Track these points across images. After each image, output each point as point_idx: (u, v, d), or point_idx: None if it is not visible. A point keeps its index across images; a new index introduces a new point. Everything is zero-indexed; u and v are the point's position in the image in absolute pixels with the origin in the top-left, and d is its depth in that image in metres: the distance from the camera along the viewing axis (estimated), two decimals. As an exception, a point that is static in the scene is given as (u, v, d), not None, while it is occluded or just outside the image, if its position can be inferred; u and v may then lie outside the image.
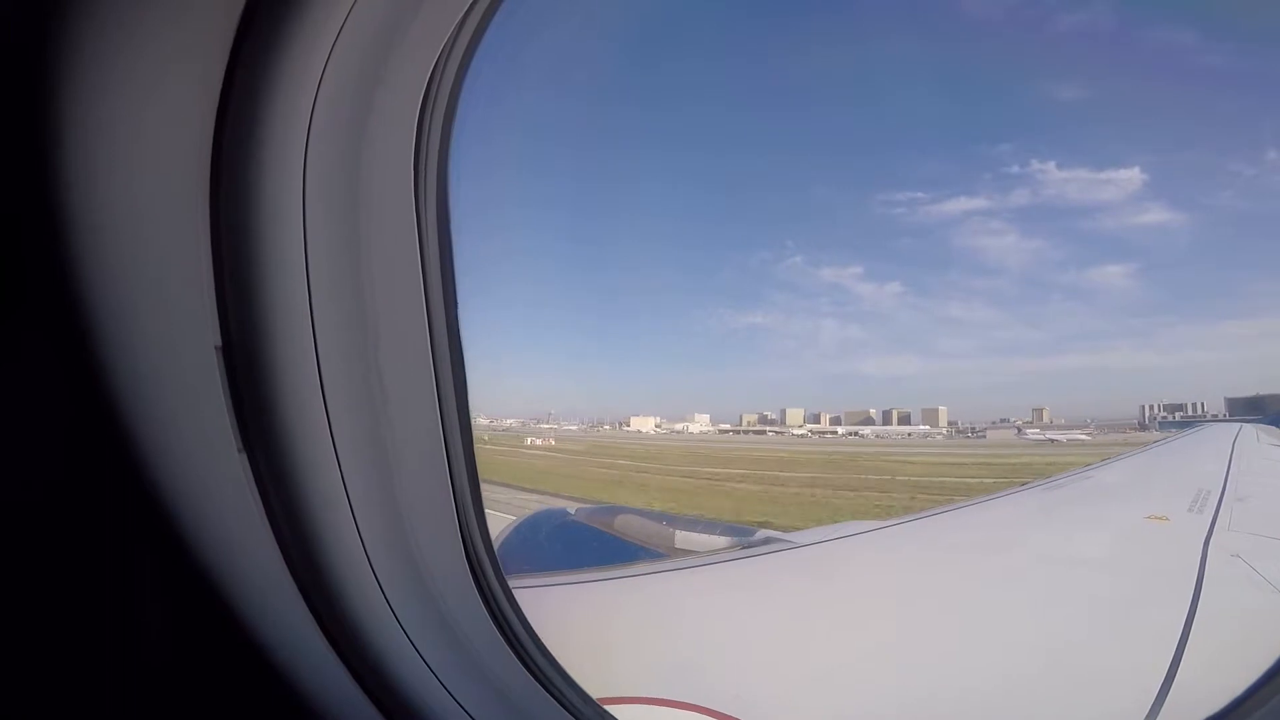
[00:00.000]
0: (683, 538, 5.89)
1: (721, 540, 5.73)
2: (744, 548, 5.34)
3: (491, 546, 1.30)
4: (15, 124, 0.81)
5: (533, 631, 1.35)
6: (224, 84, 0.91)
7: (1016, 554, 5.61)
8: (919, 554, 5.88)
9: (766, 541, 5.43)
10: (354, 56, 0.98)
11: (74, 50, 0.79)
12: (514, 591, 1.34)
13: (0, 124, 0.81)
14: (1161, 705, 2.74)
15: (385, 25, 1.00)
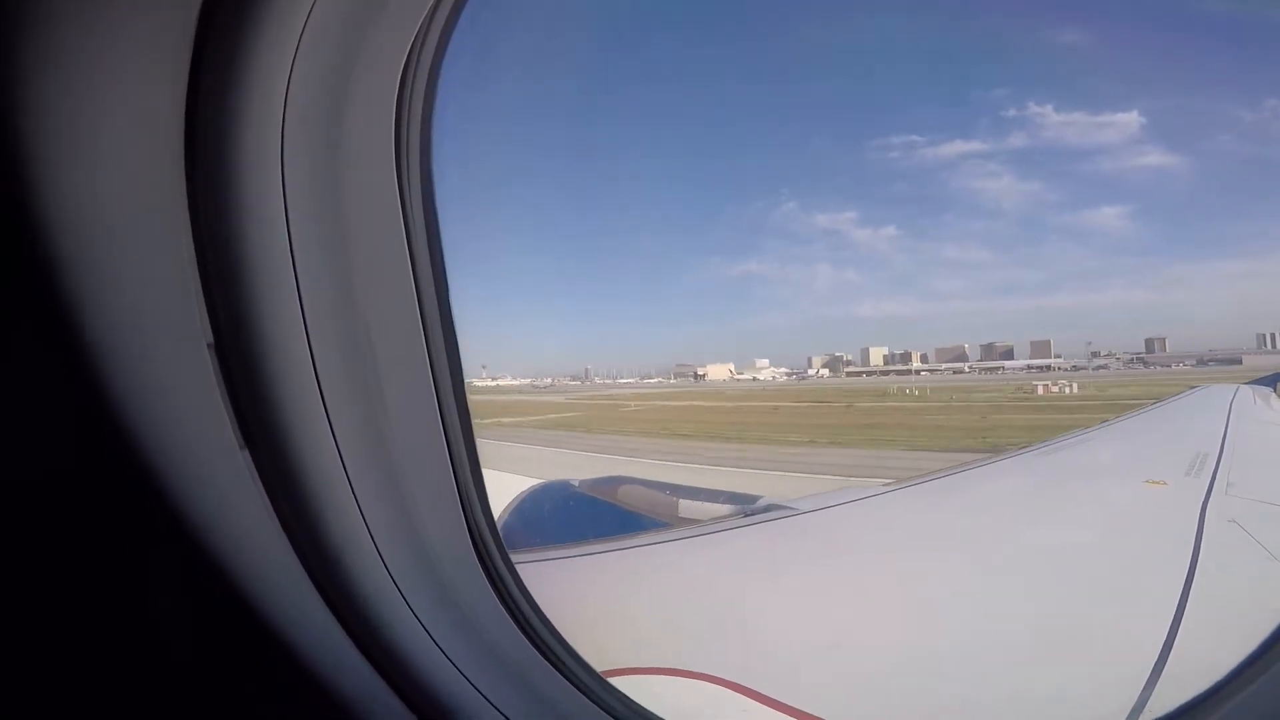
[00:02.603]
0: (686, 506, 5.95)
1: (724, 508, 5.79)
2: (747, 515, 5.39)
3: (494, 522, 1.32)
4: None
5: (535, 604, 1.37)
6: (192, 73, 0.88)
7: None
8: (921, 518, 5.95)
9: (769, 509, 5.48)
10: (328, 35, 0.95)
11: (34, 46, 0.76)
12: (519, 565, 1.36)
13: None
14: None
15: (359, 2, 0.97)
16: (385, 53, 1.03)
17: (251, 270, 0.96)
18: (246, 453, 0.99)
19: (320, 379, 1.03)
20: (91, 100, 0.81)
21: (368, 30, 0.99)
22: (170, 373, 0.92)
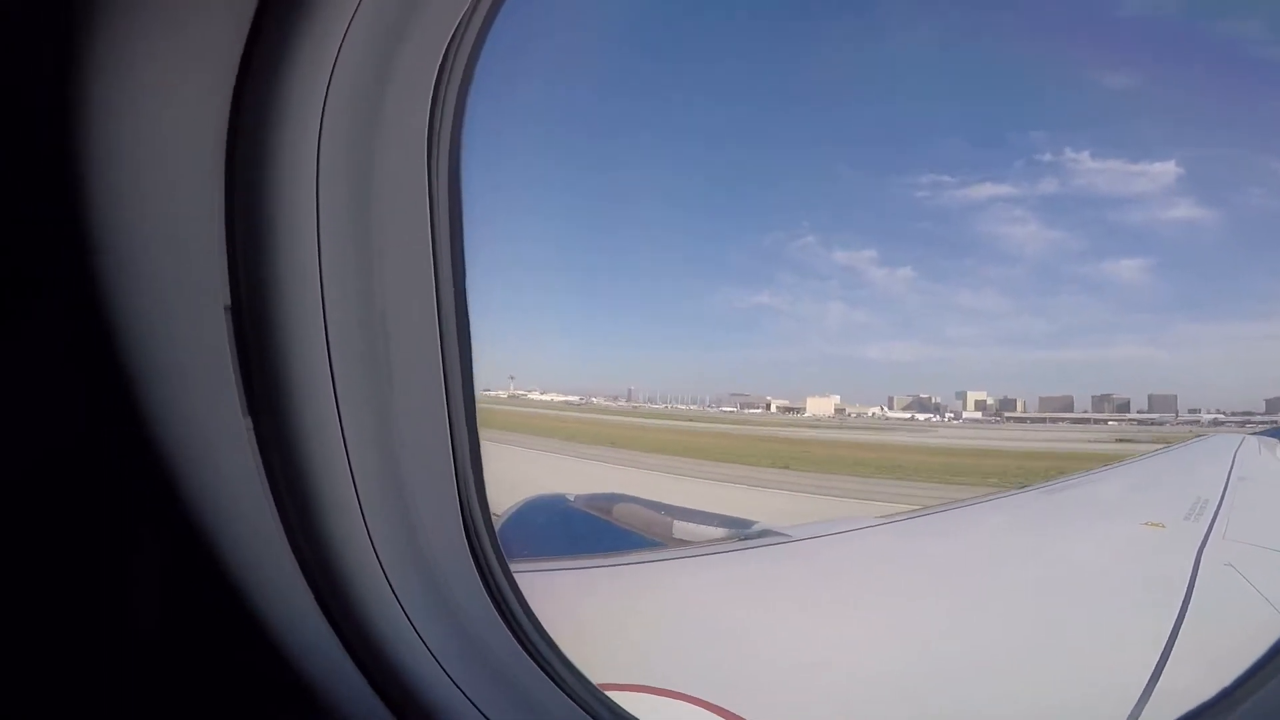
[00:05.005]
0: (680, 528, 5.92)
1: (719, 531, 5.76)
2: (741, 540, 5.36)
3: (492, 527, 1.30)
4: (25, 81, 0.82)
5: (532, 614, 1.34)
6: (245, 48, 0.91)
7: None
8: (915, 551, 5.90)
9: (763, 534, 5.45)
10: (376, 20, 0.98)
11: (89, 21, 0.80)
12: (514, 575, 1.33)
13: (18, 86, 0.82)
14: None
15: (397, 11, 1.00)
16: (423, 51, 1.05)
17: (276, 240, 0.97)
18: (249, 420, 0.98)
19: (333, 361, 1.02)
20: (145, 68, 0.84)
21: (412, 18, 1.02)
22: (185, 330, 0.93)
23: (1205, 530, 6.09)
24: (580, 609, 3.49)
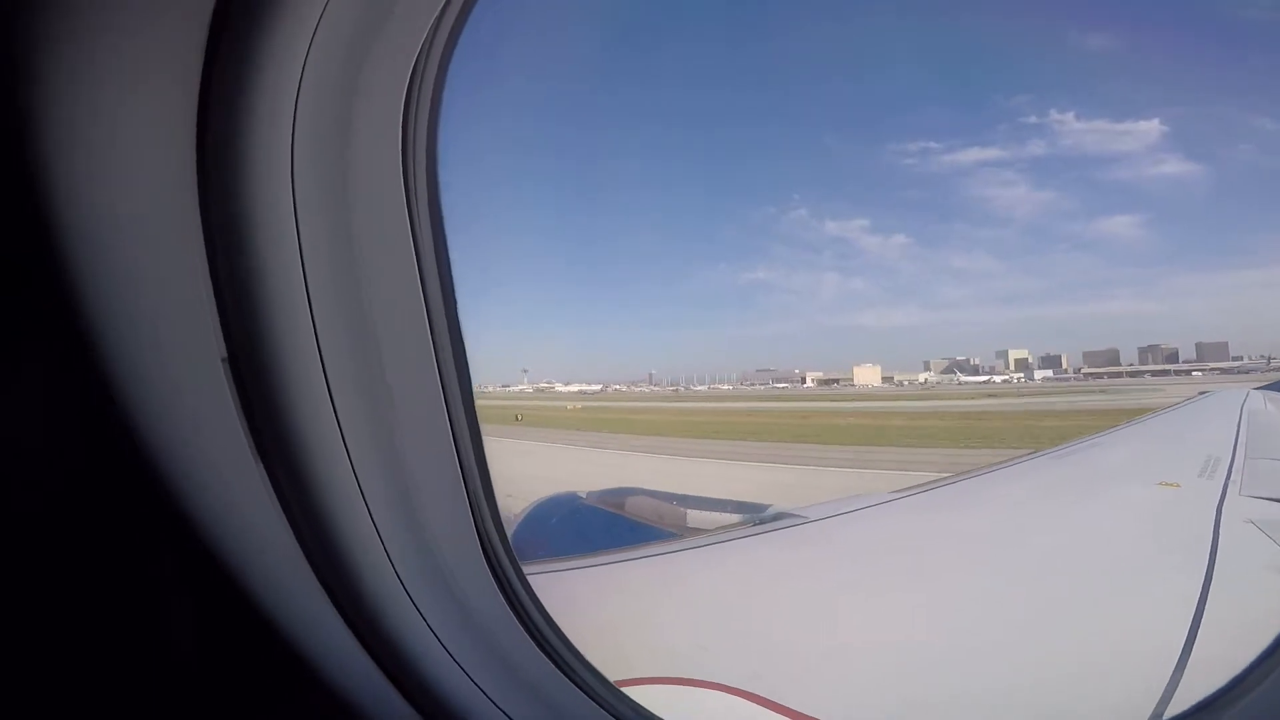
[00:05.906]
0: (695, 516, 5.92)
1: (733, 517, 5.76)
2: (756, 524, 5.35)
3: (505, 534, 1.32)
4: None
5: (547, 614, 1.38)
6: (202, 87, 0.89)
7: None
8: (933, 523, 5.89)
9: (778, 517, 5.44)
10: (336, 47, 0.96)
11: (48, 58, 0.77)
12: (530, 577, 1.36)
13: None
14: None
15: (367, 11, 0.98)
16: (393, 60, 1.04)
17: (264, 283, 0.97)
18: (261, 465, 1.00)
19: (332, 391, 1.04)
20: (104, 112, 0.82)
21: (376, 35, 1.00)
22: (186, 386, 0.93)
23: (1221, 488, 6.09)
24: (602, 604, 3.48)
